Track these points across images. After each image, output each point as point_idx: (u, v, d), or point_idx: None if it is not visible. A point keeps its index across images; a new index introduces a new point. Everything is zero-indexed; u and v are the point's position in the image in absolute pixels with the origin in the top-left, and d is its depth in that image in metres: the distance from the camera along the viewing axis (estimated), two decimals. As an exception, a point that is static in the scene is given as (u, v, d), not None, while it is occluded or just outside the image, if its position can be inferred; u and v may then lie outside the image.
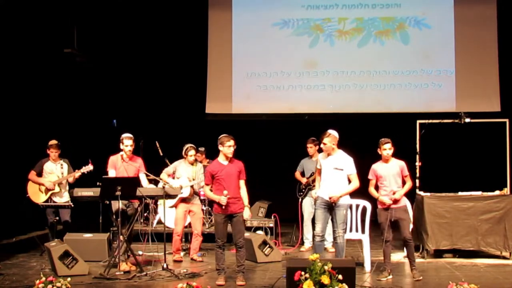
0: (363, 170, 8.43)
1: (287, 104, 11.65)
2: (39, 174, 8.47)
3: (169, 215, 8.09)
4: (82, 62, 11.58)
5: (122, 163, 7.54)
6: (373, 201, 7.62)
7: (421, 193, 8.33)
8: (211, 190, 6.83)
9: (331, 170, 6.91)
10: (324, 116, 11.28)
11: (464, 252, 8.14)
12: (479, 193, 8.16)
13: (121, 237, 7.11)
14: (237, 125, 11.30)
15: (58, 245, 7.25)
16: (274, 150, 11.83)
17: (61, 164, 8.49)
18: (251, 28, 11.77)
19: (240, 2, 11.84)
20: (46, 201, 8.40)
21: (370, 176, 7.09)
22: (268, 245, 8.08)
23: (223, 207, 6.64)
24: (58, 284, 5.85)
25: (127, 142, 7.55)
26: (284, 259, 7.92)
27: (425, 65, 11.46)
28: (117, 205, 7.10)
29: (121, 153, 7.58)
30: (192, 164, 8.23)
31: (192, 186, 8.12)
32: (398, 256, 8.14)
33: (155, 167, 8.44)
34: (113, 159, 7.59)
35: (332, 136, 6.93)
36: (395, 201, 6.92)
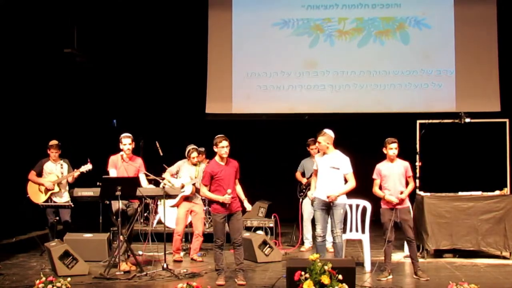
0: (363, 170, 8.42)
1: (287, 104, 11.65)
2: (39, 174, 8.46)
3: (169, 215, 8.09)
4: (82, 62, 11.58)
5: (122, 163, 7.54)
6: (374, 201, 7.63)
7: (421, 193, 8.33)
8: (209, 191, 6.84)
9: (327, 169, 6.92)
10: (324, 116, 11.28)
11: (464, 252, 8.14)
12: (479, 193, 8.16)
13: (121, 237, 7.11)
14: (237, 125, 11.33)
15: (58, 245, 7.25)
16: (274, 150, 11.84)
17: (61, 164, 8.49)
18: (251, 28, 11.77)
19: (240, 2, 11.83)
20: (46, 201, 8.40)
21: (375, 176, 7.08)
22: (268, 245, 8.08)
23: (227, 205, 6.65)
24: (58, 284, 5.85)
25: (125, 141, 7.55)
26: (284, 259, 7.92)
27: (425, 65, 11.46)
28: (117, 205, 7.10)
29: (121, 153, 7.58)
30: (194, 164, 8.25)
31: (194, 184, 8.11)
32: (398, 256, 8.14)
33: (155, 167, 8.44)
34: (113, 159, 7.59)
35: (327, 135, 6.95)
36: (401, 201, 6.92)
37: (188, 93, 11.92)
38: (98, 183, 7.37)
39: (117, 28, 11.74)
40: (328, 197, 6.81)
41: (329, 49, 11.62)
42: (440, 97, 11.38)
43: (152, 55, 12.03)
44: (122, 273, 7.07)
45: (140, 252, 8.41)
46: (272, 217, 9.57)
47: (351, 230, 7.69)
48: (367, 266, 7.43)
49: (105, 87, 12.08)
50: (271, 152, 11.88)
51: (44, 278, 5.90)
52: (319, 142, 6.97)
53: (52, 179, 8.39)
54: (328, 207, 6.90)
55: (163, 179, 8.00)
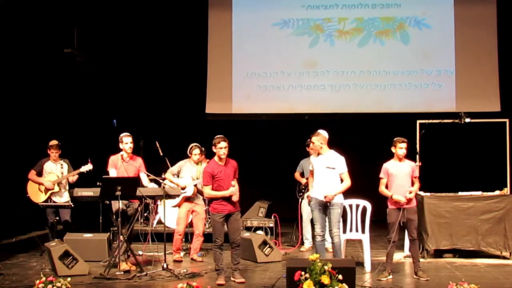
0: (363, 170, 8.44)
1: (287, 104, 11.65)
2: (39, 174, 8.47)
3: (169, 215, 8.09)
4: (82, 62, 11.58)
5: (122, 163, 7.55)
6: (374, 201, 7.64)
7: (421, 193, 8.31)
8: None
9: (323, 169, 6.95)
10: (324, 116, 11.29)
11: (464, 252, 8.14)
12: (479, 193, 8.15)
13: (121, 237, 7.11)
14: (237, 125, 11.33)
15: (58, 245, 7.25)
16: (274, 150, 11.83)
17: (61, 164, 8.50)
18: (251, 28, 11.77)
19: (240, 2, 11.84)
20: (46, 201, 8.40)
21: (382, 175, 7.07)
22: (268, 245, 8.08)
23: (233, 197, 6.66)
24: (58, 284, 5.85)
25: (126, 140, 7.55)
26: (284, 259, 7.92)
27: (425, 65, 11.46)
28: (117, 205, 7.10)
29: (121, 153, 7.58)
30: (197, 163, 8.23)
31: (195, 185, 8.11)
32: (398, 256, 8.14)
33: (155, 167, 8.44)
34: (113, 159, 7.59)
35: (321, 135, 6.99)
36: (409, 201, 6.93)
37: (188, 93, 11.92)
38: (98, 183, 7.37)
39: (117, 28, 11.74)
40: (325, 197, 6.82)
41: (329, 49, 11.62)
42: (440, 97, 11.39)
43: (152, 55, 12.02)
44: (122, 273, 7.08)
45: (140, 252, 8.41)
46: (272, 217, 9.57)
47: (351, 230, 7.69)
48: (367, 266, 7.43)
49: (105, 87, 12.08)
50: (271, 152, 11.87)
51: (44, 278, 5.90)
52: (313, 143, 7.05)
53: (52, 179, 8.39)
54: (325, 206, 6.91)
55: (164, 179, 7.99)
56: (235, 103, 11.74)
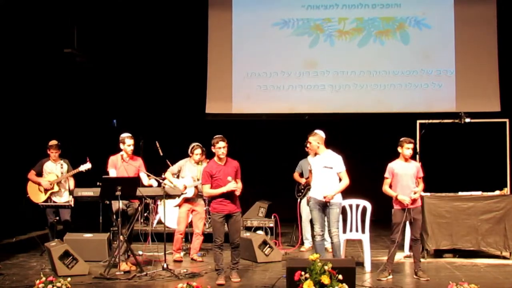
0: (363, 170, 8.44)
1: (287, 104, 11.65)
2: (39, 174, 8.47)
3: (169, 215, 8.09)
4: (82, 62, 11.58)
5: (122, 163, 7.55)
6: (374, 201, 7.64)
7: (421, 193, 8.31)
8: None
9: (320, 169, 6.96)
10: (324, 116, 11.29)
11: (464, 252, 8.14)
12: (479, 193, 8.15)
13: (121, 237, 7.11)
14: (237, 125, 11.33)
15: (58, 245, 7.25)
16: (274, 150, 11.83)
17: (61, 164, 8.50)
18: (251, 28, 11.77)
19: (240, 2, 11.83)
20: (46, 201, 8.41)
21: (387, 175, 7.05)
22: (268, 245, 8.08)
23: (236, 190, 6.66)
24: (58, 284, 5.85)
25: (129, 141, 7.55)
26: (284, 259, 7.92)
27: (425, 65, 11.46)
28: (117, 205, 7.10)
29: (121, 153, 7.58)
30: (197, 163, 8.23)
31: (196, 187, 8.11)
32: (398, 256, 8.13)
33: (155, 167, 8.44)
34: (113, 159, 7.59)
35: (318, 135, 7.00)
36: (414, 201, 6.92)
37: (188, 93, 11.91)
38: (98, 183, 7.37)
39: (117, 28, 11.74)
40: (324, 197, 6.82)
41: (329, 49, 11.62)
42: (440, 97, 11.38)
43: (152, 55, 12.02)
44: (122, 273, 7.07)
45: (140, 252, 8.41)
46: (272, 217, 9.57)
47: (351, 230, 7.68)
48: (367, 266, 7.43)
49: (105, 87, 12.08)
50: (271, 152, 11.87)
51: (44, 278, 5.90)
52: (310, 143, 7.05)
53: (52, 179, 8.40)
54: (324, 206, 6.92)
55: (164, 179, 7.98)
56: (235, 103, 11.74)
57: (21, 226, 10.13)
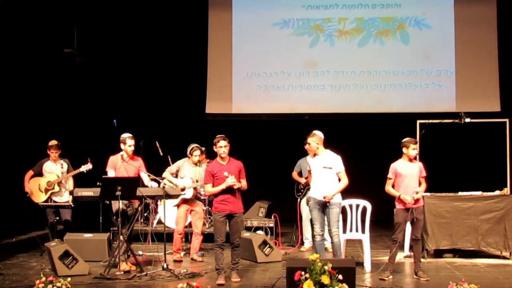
0: (363, 170, 8.43)
1: (287, 104, 11.64)
2: (39, 174, 8.48)
3: (169, 215, 8.09)
4: (82, 62, 11.58)
5: (122, 163, 7.54)
6: (374, 201, 7.64)
7: (423, 193, 8.33)
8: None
9: (320, 170, 6.97)
10: (324, 116, 11.29)
11: (464, 252, 8.14)
12: (479, 193, 8.16)
13: (121, 237, 7.11)
14: (237, 125, 11.33)
15: (58, 245, 7.25)
16: (274, 150, 11.83)
17: (61, 164, 8.50)
18: (251, 28, 11.76)
19: (240, 2, 11.83)
20: (46, 201, 8.41)
21: (390, 175, 7.04)
22: (268, 245, 8.08)
23: (236, 185, 6.65)
24: (58, 284, 5.85)
25: (130, 142, 7.54)
26: (284, 259, 7.92)
27: (425, 65, 11.46)
28: (117, 205, 7.10)
29: (121, 153, 7.58)
30: (196, 164, 8.22)
31: (195, 188, 8.11)
32: (398, 256, 8.12)
33: (155, 167, 8.44)
34: (113, 159, 7.58)
35: (316, 136, 7.01)
36: (416, 201, 6.93)
37: (188, 93, 11.91)
38: (98, 183, 7.37)
39: (117, 28, 11.73)
40: (324, 197, 6.83)
41: (329, 49, 11.62)
42: (440, 97, 11.38)
43: (152, 55, 12.02)
44: (122, 273, 7.08)
45: (140, 252, 8.41)
46: (272, 217, 9.58)
47: (351, 230, 7.68)
48: (367, 266, 7.43)
49: (105, 87, 12.08)
50: (271, 152, 11.87)
51: (44, 278, 5.90)
52: (309, 143, 7.05)
53: (53, 179, 8.40)
54: (323, 206, 6.92)
55: (163, 178, 7.98)
56: (235, 103, 11.74)
57: (21, 226, 10.14)
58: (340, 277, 5.53)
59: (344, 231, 7.53)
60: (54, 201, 8.43)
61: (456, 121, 9.27)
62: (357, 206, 7.67)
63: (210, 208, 9.39)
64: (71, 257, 7.13)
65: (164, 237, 7.31)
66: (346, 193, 7.16)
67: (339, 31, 11.62)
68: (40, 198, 8.41)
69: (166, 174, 8.13)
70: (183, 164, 8.22)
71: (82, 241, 7.98)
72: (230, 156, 6.86)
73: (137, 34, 11.92)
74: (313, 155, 7.09)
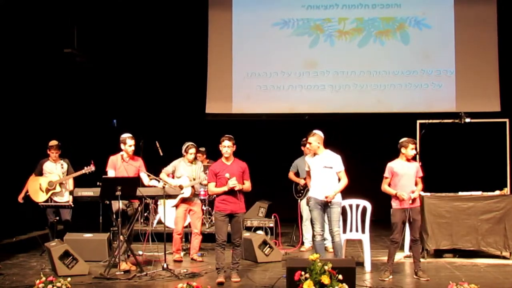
0: (363, 170, 8.42)
1: (287, 104, 11.65)
2: (40, 174, 8.48)
3: (169, 215, 8.09)
4: (82, 62, 11.58)
5: (122, 163, 7.54)
6: (374, 201, 7.64)
7: (421, 193, 8.31)
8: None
9: (320, 169, 6.97)
10: (324, 116, 11.29)
11: (464, 252, 8.14)
12: (479, 193, 8.15)
13: (121, 237, 7.11)
14: (237, 125, 11.31)
15: (58, 245, 7.25)
16: (274, 150, 11.82)
17: (61, 164, 8.50)
18: (251, 28, 11.77)
19: (240, 2, 11.84)
20: (47, 201, 8.41)
21: (386, 174, 7.05)
22: (268, 245, 8.09)
23: (237, 187, 6.66)
24: (58, 284, 5.85)
25: (130, 142, 7.54)
26: (284, 259, 7.92)
27: (425, 65, 11.46)
28: (117, 205, 7.10)
29: (121, 153, 7.57)
30: (191, 162, 8.21)
31: (193, 186, 8.11)
32: (398, 256, 8.13)
33: (155, 167, 8.44)
34: (113, 159, 7.58)
35: (317, 135, 7.02)
36: (413, 201, 6.93)
37: (188, 93, 11.91)
38: (98, 183, 7.37)
39: (117, 28, 11.73)
40: (326, 197, 6.83)
41: (329, 49, 11.62)
42: (440, 97, 11.39)
43: (152, 55, 12.02)
44: (122, 273, 7.08)
45: (140, 252, 8.41)
46: (272, 217, 9.58)
47: (351, 230, 7.69)
48: (367, 266, 7.43)
49: (105, 87, 12.08)
50: (271, 152, 11.86)
51: (44, 278, 5.90)
52: (310, 143, 7.05)
53: (54, 179, 8.40)
54: (324, 206, 6.92)
55: (160, 180, 7.97)
56: (235, 103, 11.74)
57: (21, 226, 10.13)
58: (340, 277, 5.53)
59: (344, 231, 7.53)
60: (54, 201, 8.43)
61: (456, 121, 9.26)
62: (357, 206, 7.68)
63: (210, 208, 9.41)
64: (71, 257, 7.13)
65: (164, 237, 7.31)
66: (346, 193, 7.16)
67: (339, 31, 11.63)
68: (40, 197, 8.41)
69: (163, 175, 8.09)
70: (179, 164, 8.20)
71: (82, 241, 7.98)
72: (235, 157, 6.86)
73: (137, 34, 11.92)
74: (313, 154, 7.09)
